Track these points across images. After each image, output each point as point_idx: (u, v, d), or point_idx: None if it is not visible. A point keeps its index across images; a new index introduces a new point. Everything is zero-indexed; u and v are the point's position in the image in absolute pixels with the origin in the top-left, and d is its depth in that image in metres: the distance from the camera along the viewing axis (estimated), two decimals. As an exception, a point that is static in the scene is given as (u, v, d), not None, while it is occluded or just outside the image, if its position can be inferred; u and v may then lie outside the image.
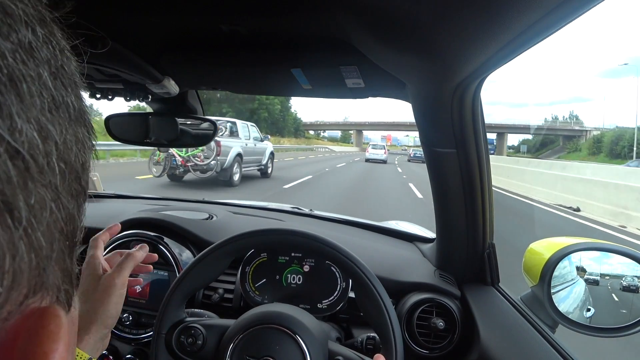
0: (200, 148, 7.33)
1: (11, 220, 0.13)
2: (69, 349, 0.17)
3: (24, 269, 0.14)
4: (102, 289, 0.56)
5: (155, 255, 0.63)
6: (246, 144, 8.89)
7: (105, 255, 0.61)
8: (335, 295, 0.84)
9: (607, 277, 0.74)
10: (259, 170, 9.80)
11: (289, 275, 0.87)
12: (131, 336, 0.88)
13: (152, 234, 0.95)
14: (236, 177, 8.28)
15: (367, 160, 24.21)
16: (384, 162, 23.69)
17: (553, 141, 71.43)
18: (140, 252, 0.61)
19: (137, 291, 0.94)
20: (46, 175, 0.15)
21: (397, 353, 0.53)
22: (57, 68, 0.16)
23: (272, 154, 10.56)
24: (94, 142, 0.21)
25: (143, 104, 0.94)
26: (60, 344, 0.16)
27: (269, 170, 10.43)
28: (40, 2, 0.16)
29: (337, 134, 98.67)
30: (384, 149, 25.67)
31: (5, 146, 0.13)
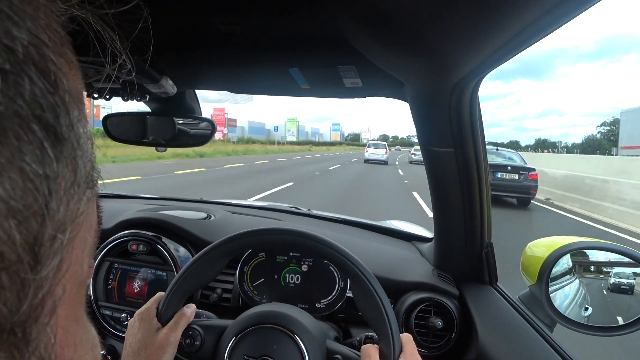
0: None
1: None
2: None
3: None
4: (158, 346, 0.56)
5: (193, 305, 0.64)
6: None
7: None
8: (333, 294, 0.84)
9: (605, 276, 0.74)
10: None
11: (287, 275, 0.87)
12: None
13: (150, 233, 0.94)
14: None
15: (367, 161, 23.45)
16: (384, 162, 23.14)
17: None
18: (190, 309, 0.62)
19: (136, 291, 0.94)
20: None
21: (395, 348, 0.53)
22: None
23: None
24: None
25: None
26: None
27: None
28: None
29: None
30: (385, 148, 24.70)
31: None
